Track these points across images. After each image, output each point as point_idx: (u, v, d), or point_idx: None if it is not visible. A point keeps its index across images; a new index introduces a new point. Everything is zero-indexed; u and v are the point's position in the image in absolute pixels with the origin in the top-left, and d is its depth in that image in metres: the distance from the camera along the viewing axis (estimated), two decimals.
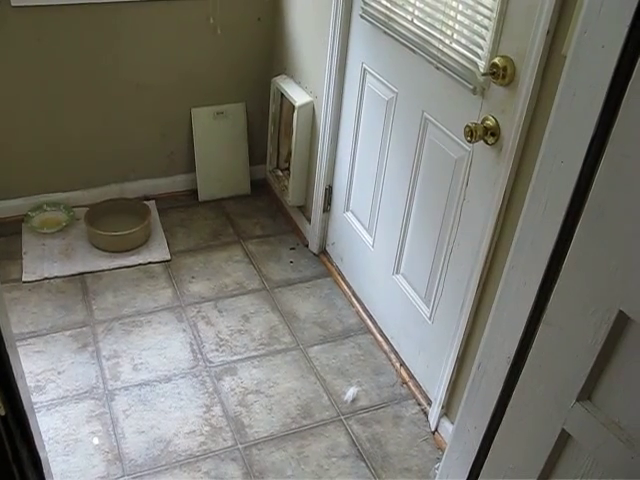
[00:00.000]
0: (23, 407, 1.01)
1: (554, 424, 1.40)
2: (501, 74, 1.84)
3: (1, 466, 0.95)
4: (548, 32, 1.65)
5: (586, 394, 1.31)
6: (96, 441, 2.38)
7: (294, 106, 3.15)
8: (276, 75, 3.41)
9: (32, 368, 2.61)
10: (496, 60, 1.85)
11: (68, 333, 2.80)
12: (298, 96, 3.18)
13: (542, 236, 1.38)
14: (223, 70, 3.47)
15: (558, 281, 1.34)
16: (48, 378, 2.59)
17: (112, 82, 3.27)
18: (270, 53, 3.52)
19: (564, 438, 1.39)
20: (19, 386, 1.01)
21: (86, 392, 2.55)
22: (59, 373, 2.62)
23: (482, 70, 1.92)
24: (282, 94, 3.33)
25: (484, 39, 1.90)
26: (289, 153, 3.41)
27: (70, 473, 2.26)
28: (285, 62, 3.39)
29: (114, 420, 2.46)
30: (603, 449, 1.29)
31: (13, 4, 2.90)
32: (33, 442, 1.05)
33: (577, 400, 1.32)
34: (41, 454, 1.14)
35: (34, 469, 1.07)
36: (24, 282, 3.03)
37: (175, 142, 3.59)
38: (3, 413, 0.91)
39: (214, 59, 3.43)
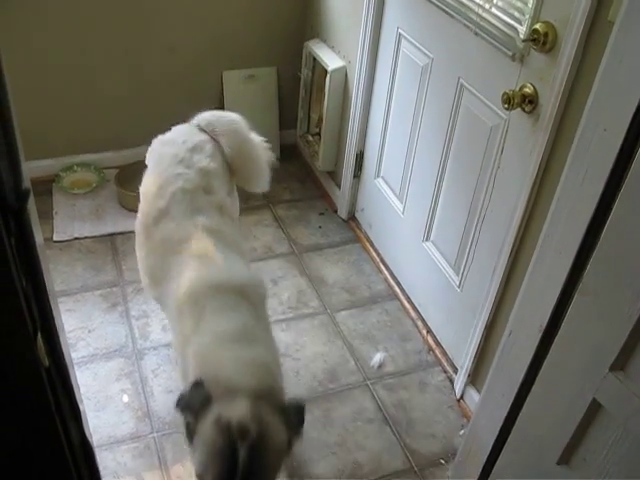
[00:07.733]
0: (64, 359, 1.03)
1: (585, 393, 1.40)
2: (542, 40, 1.81)
3: (45, 417, 0.97)
4: None
5: (619, 365, 1.31)
6: (126, 399, 2.42)
7: (327, 70, 3.13)
8: (309, 39, 3.39)
9: (63, 326, 2.64)
10: (537, 26, 1.81)
11: (98, 292, 2.84)
12: (331, 60, 3.15)
13: (580, 205, 1.37)
14: (256, 33, 3.44)
15: (595, 251, 1.33)
16: (79, 336, 2.63)
17: (144, 44, 3.26)
18: (303, 17, 3.49)
19: (595, 407, 1.40)
20: (60, 339, 1.03)
21: (116, 351, 2.59)
22: (89, 331, 2.66)
23: (522, 36, 1.89)
24: (314, 58, 3.30)
25: (525, 4, 1.87)
26: (320, 118, 3.39)
27: (101, 429, 2.31)
28: (318, 26, 3.36)
29: (143, 379, 2.50)
30: (634, 419, 1.30)
31: None
32: (73, 394, 1.08)
33: (610, 370, 1.32)
34: (80, 406, 1.16)
35: (74, 421, 1.10)
36: (55, 241, 3.06)
37: (206, 104, 3.54)
38: (47, 364, 0.93)
39: (247, 22, 3.40)
